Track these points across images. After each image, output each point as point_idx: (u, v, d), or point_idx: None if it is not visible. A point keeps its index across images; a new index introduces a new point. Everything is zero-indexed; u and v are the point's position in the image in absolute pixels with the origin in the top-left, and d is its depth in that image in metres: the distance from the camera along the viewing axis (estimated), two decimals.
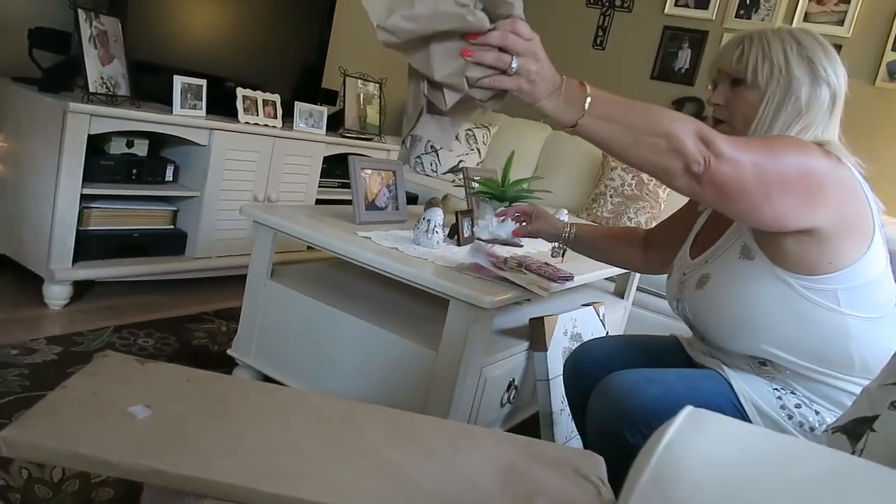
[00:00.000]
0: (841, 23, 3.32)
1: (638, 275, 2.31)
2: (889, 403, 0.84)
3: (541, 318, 1.71)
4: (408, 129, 1.00)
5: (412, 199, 3.12)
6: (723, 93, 1.19)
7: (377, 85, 3.27)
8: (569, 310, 1.84)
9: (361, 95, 3.19)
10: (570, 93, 0.95)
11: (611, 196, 3.24)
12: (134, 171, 2.32)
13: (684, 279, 1.27)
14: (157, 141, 2.44)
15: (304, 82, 3.09)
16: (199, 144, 2.42)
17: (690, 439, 0.65)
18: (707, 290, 1.19)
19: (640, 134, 0.97)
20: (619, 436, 1.13)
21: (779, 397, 1.15)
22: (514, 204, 1.59)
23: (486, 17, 0.90)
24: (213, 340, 2.16)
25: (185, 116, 2.37)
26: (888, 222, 2.61)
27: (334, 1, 3.11)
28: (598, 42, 3.99)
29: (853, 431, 0.90)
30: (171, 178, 2.44)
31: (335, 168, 3.03)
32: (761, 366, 1.18)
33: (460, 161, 3.61)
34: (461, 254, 1.72)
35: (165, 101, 2.38)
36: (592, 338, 1.63)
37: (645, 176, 3.16)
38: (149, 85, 2.41)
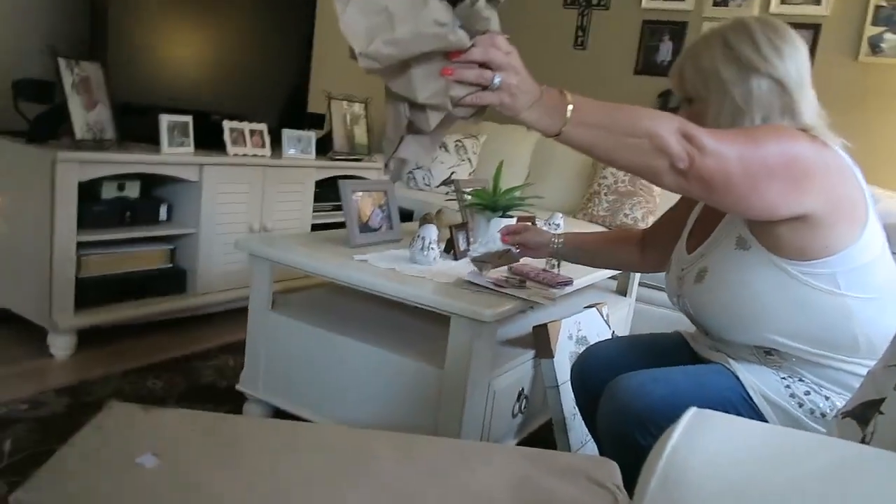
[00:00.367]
0: (818, 2, 3.33)
1: None
2: (895, 385, 0.83)
3: (544, 325, 1.71)
4: (390, 151, 1.01)
5: (408, 215, 3.13)
6: (686, 112, 1.21)
7: (362, 104, 3.28)
8: (572, 313, 1.84)
9: (348, 116, 3.20)
10: (550, 102, 0.96)
11: (605, 194, 3.24)
12: (127, 213, 2.33)
13: (682, 274, 1.27)
14: (149, 181, 2.45)
15: (289, 109, 3.11)
16: (190, 181, 2.42)
17: (695, 442, 0.65)
18: (706, 283, 1.19)
19: (624, 136, 0.98)
20: (630, 438, 1.13)
21: (787, 386, 1.15)
22: (503, 226, 1.60)
23: (466, 36, 0.90)
24: (222, 376, 2.16)
25: (174, 154, 2.38)
26: (883, 196, 2.61)
27: (313, 25, 3.13)
28: (579, 42, 4.01)
29: (861, 416, 0.89)
30: (165, 218, 2.45)
31: (328, 191, 3.03)
32: (767, 355, 1.18)
33: (452, 173, 3.62)
34: (459, 268, 1.72)
35: (153, 140, 2.39)
36: (598, 339, 1.63)
37: None
38: (135, 126, 2.42)
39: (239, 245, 1.78)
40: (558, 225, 2.18)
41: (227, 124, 2.61)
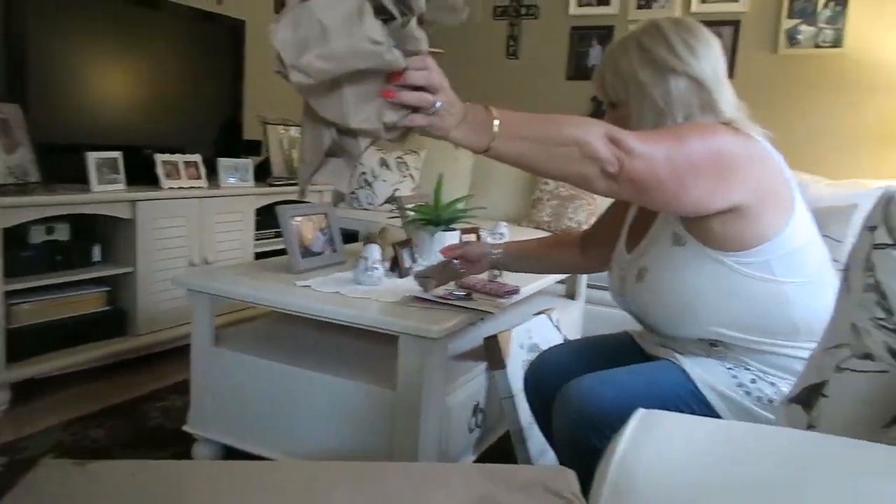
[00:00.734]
0: None
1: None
2: (834, 367, 0.84)
3: (495, 336, 1.70)
4: (307, 174, 0.97)
5: (352, 236, 3.09)
6: (610, 116, 1.23)
7: (299, 128, 3.24)
8: (522, 322, 1.84)
9: (284, 141, 3.15)
10: (477, 119, 0.96)
11: (547, 200, 3.27)
12: (58, 257, 2.23)
13: (624, 274, 1.28)
14: (80, 222, 2.35)
15: (224, 137, 3.04)
16: (123, 219, 2.34)
17: (643, 446, 0.64)
18: (646, 282, 1.20)
19: (553, 146, 0.98)
20: (586, 442, 1.12)
21: (734, 376, 1.16)
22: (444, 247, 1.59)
23: (401, 56, 0.89)
24: (169, 418, 2.07)
25: (105, 192, 2.30)
26: (811, 182, 2.70)
27: (242, 51, 3.08)
28: (511, 52, 4.05)
29: (806, 400, 0.90)
30: (99, 259, 2.36)
31: (270, 218, 2.97)
32: (712, 347, 1.19)
33: (395, 190, 3.60)
34: (405, 286, 1.69)
35: (82, 179, 2.30)
36: (549, 346, 1.63)
37: None
38: (62, 166, 2.33)
39: (176, 281, 1.72)
40: (502, 234, 2.18)
41: (159, 158, 2.53)
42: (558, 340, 1.94)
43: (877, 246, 0.80)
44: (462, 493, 1.00)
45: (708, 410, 1.14)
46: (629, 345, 1.40)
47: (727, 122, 1.12)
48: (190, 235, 2.56)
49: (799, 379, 0.93)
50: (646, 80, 1.15)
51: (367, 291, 1.62)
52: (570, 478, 1.04)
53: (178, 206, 2.51)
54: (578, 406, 1.14)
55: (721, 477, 0.59)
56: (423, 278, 1.54)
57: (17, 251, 2.11)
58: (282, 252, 2.06)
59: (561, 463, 1.20)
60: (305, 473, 1.03)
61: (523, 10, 4.01)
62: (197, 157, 2.66)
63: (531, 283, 1.80)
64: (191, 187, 2.58)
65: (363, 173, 3.63)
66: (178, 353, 2.50)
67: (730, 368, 1.17)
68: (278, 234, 3.03)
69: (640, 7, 3.68)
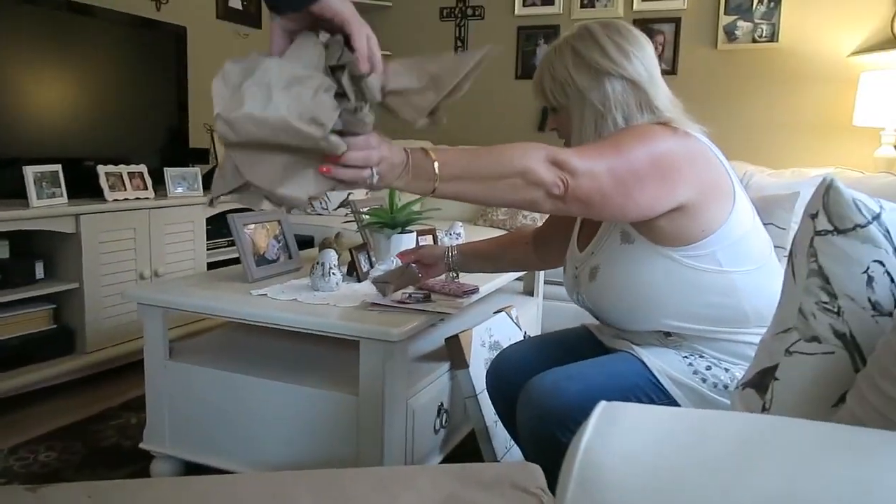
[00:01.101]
0: None
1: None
2: (784, 351, 0.87)
3: (456, 336, 1.70)
4: (220, 190, 0.91)
5: (308, 242, 3.06)
6: (552, 120, 1.27)
7: None
8: (482, 321, 1.84)
9: None
10: (417, 166, 0.97)
11: None
12: None
13: (577, 273, 1.30)
14: (20, 239, 2.26)
15: (170, 146, 2.97)
16: (66, 233, 2.26)
17: (607, 438, 0.65)
18: (599, 280, 1.22)
19: (495, 180, 1.01)
20: (551, 438, 1.13)
21: (690, 364, 1.19)
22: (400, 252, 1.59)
23: (340, 142, 0.84)
24: (124, 436, 2.01)
25: (45, 207, 2.22)
26: (756, 172, 2.78)
27: (185, 58, 3.01)
28: (460, 52, 4.07)
29: (760, 384, 0.93)
30: (41, 276, 2.28)
31: (222, 227, 2.91)
32: (667, 337, 1.22)
33: (349, 194, 3.56)
34: (364, 290, 1.68)
35: (20, 195, 2.21)
36: (510, 343, 1.64)
37: None
38: None
39: (126, 295, 1.67)
40: (459, 234, 2.18)
41: (101, 169, 2.45)
42: (519, 337, 1.95)
43: (818, 233, 0.82)
44: (429, 493, 0.99)
45: (667, 399, 1.17)
46: (588, 338, 1.42)
47: (665, 121, 1.15)
48: (139, 248, 2.49)
49: (751, 363, 0.96)
50: (583, 84, 1.17)
51: (324, 297, 1.61)
52: (537, 473, 1.05)
53: (125, 218, 2.44)
54: (541, 402, 1.15)
55: (681, 463, 0.61)
56: (381, 283, 1.53)
57: None
58: (236, 261, 2.02)
59: (526, 459, 1.21)
60: (269, 485, 1.02)
61: (469, 12, 4.03)
62: (142, 168, 2.59)
63: (490, 282, 1.81)
64: (137, 198, 2.51)
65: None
66: (130, 368, 2.43)
67: (686, 357, 1.20)
68: (231, 243, 2.97)
69: (583, 6, 3.73)
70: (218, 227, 2.88)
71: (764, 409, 0.89)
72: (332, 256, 1.68)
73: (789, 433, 0.63)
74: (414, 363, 1.68)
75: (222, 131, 0.83)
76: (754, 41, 3.37)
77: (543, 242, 1.52)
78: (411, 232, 1.97)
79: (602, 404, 0.73)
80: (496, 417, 1.64)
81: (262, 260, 1.84)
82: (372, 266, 1.86)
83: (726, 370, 1.18)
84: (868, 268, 0.79)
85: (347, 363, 1.56)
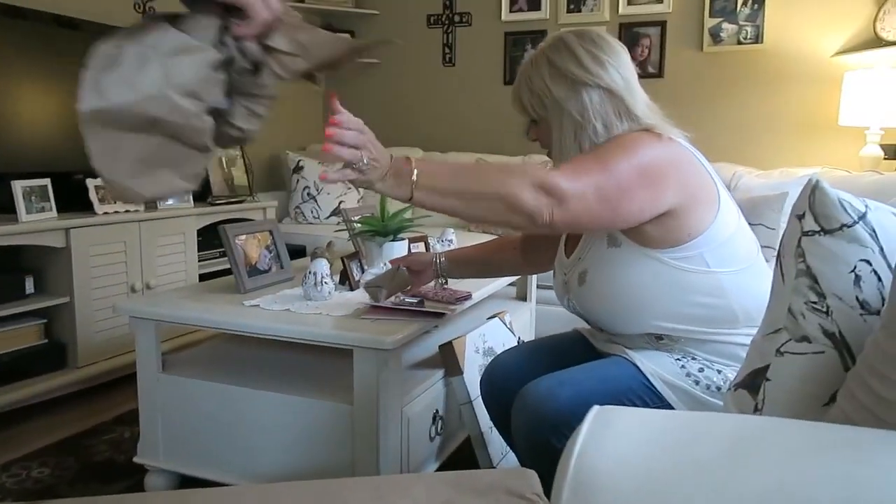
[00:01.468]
0: (660, 0, 3.55)
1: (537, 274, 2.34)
2: (775, 351, 0.88)
3: (449, 343, 1.70)
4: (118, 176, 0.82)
5: (300, 252, 3.05)
6: (532, 131, 1.27)
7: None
8: (476, 327, 1.85)
9: (223, 158, 3.09)
10: (398, 171, 1.00)
11: None
12: None
13: (566, 279, 1.30)
14: (9, 254, 2.25)
15: None
16: (56, 248, 2.25)
17: (600, 442, 0.66)
18: (588, 284, 1.23)
19: (473, 199, 1.03)
20: (546, 444, 1.14)
21: (682, 366, 1.19)
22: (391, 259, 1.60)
23: (210, 129, 0.79)
24: (118, 451, 2.00)
25: (35, 221, 2.21)
26: (744, 173, 2.80)
27: None
28: (448, 59, 4.08)
29: (751, 385, 0.94)
30: (32, 291, 2.26)
31: (212, 238, 2.91)
32: (658, 340, 1.22)
33: (340, 202, 3.57)
34: (356, 298, 1.68)
35: (9, 209, 2.20)
36: (504, 348, 1.64)
37: None
38: None
39: (118, 309, 1.67)
40: (451, 241, 2.19)
41: (91, 182, 2.45)
42: (513, 343, 1.95)
43: (806, 233, 0.83)
44: (425, 501, 0.99)
45: (660, 402, 1.17)
46: (580, 342, 1.42)
47: (647, 127, 1.16)
48: (129, 261, 2.48)
49: (743, 364, 0.96)
50: (560, 95, 1.18)
51: (317, 307, 1.60)
52: (532, 478, 1.05)
53: (115, 231, 2.43)
54: (536, 408, 1.15)
55: (673, 465, 0.61)
56: (374, 288, 1.53)
57: None
58: (227, 272, 2.02)
59: (522, 464, 1.21)
60: (265, 497, 1.01)
61: (456, 18, 4.04)
62: None
63: (483, 288, 1.81)
64: (126, 211, 2.51)
65: (306, 187, 3.59)
66: (123, 382, 2.42)
67: (678, 359, 1.20)
68: (223, 254, 2.96)
69: (570, 11, 3.75)
70: (209, 239, 2.88)
71: (756, 410, 0.90)
72: (323, 265, 1.68)
73: (780, 433, 0.64)
74: (408, 371, 1.68)
75: (88, 96, 0.74)
76: (739, 43, 3.40)
77: (532, 247, 1.53)
78: (403, 239, 1.97)
79: (595, 409, 0.74)
80: (491, 424, 1.64)
81: (254, 270, 1.84)
82: (364, 274, 1.87)
83: (718, 372, 1.19)
84: (855, 267, 0.80)
85: (341, 372, 1.56)
